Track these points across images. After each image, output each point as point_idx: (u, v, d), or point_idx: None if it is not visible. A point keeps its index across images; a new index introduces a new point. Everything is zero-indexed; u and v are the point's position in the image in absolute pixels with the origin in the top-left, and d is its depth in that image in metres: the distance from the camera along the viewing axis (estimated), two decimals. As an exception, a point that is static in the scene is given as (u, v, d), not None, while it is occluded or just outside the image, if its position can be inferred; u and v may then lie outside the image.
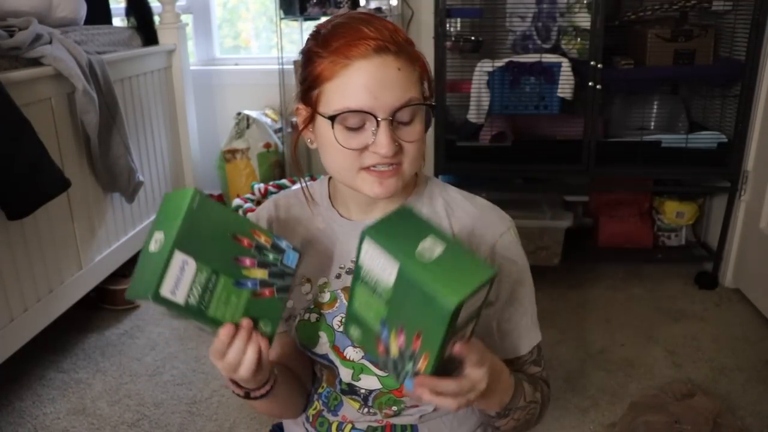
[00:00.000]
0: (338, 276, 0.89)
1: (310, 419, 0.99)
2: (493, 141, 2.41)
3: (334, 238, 0.90)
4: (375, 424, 0.94)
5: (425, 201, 0.90)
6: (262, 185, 2.67)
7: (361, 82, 0.75)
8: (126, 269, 2.37)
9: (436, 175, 2.45)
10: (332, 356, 0.89)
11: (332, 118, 0.76)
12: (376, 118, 0.75)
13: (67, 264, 1.93)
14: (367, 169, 0.79)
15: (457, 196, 0.91)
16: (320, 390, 0.98)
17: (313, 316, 0.89)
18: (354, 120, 0.76)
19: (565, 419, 1.72)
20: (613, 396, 1.81)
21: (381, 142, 0.76)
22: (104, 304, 2.33)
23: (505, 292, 0.87)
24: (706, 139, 2.34)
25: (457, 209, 0.89)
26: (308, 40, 0.82)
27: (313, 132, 0.83)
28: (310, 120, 0.81)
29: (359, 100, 0.75)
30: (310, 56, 0.79)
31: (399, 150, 0.78)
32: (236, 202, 2.69)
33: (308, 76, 0.79)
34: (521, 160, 2.40)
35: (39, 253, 1.78)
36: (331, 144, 0.78)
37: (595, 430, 1.69)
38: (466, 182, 2.64)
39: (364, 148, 0.78)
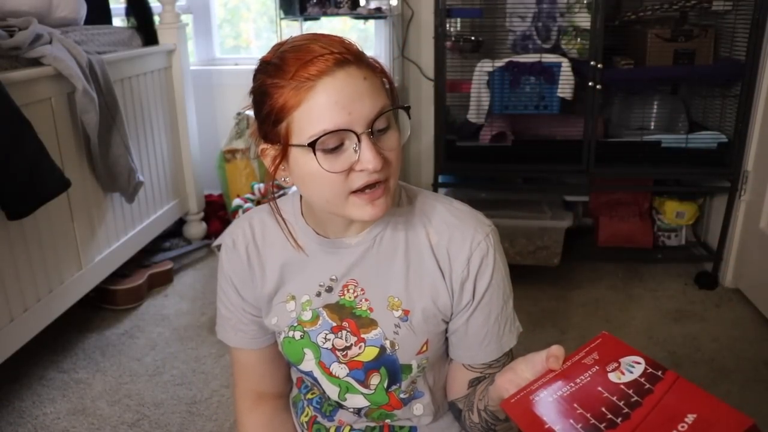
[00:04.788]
0: (318, 294, 0.87)
1: (305, 426, 0.98)
2: (493, 141, 2.41)
3: (312, 255, 0.88)
4: (373, 424, 0.94)
5: (404, 211, 0.87)
6: (262, 185, 2.67)
7: (332, 101, 0.70)
8: (126, 269, 2.37)
9: (436, 175, 2.45)
10: (317, 373, 0.89)
11: (312, 145, 0.72)
12: (355, 134, 0.72)
13: (67, 264, 1.93)
14: (355, 192, 0.75)
15: (435, 204, 0.87)
16: (310, 396, 0.97)
17: (297, 334, 0.88)
18: (333, 141, 0.72)
19: (565, 419, 1.72)
20: (613, 396, 1.81)
21: (366, 157, 0.72)
22: (104, 304, 2.32)
23: (478, 297, 0.85)
24: (706, 139, 2.34)
25: (435, 219, 0.86)
26: (257, 75, 0.77)
27: (286, 169, 0.79)
28: (282, 157, 0.77)
29: (334, 119, 0.71)
30: (265, 90, 0.74)
31: (385, 163, 0.75)
32: (236, 202, 2.69)
33: (271, 111, 0.74)
34: (521, 160, 2.40)
35: (39, 253, 1.78)
36: (313, 174, 0.74)
37: (595, 430, 1.69)
38: (466, 182, 2.65)
39: (350, 170, 0.73)
